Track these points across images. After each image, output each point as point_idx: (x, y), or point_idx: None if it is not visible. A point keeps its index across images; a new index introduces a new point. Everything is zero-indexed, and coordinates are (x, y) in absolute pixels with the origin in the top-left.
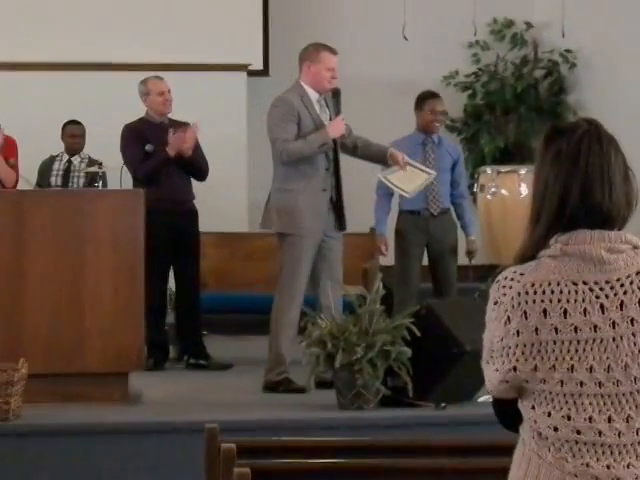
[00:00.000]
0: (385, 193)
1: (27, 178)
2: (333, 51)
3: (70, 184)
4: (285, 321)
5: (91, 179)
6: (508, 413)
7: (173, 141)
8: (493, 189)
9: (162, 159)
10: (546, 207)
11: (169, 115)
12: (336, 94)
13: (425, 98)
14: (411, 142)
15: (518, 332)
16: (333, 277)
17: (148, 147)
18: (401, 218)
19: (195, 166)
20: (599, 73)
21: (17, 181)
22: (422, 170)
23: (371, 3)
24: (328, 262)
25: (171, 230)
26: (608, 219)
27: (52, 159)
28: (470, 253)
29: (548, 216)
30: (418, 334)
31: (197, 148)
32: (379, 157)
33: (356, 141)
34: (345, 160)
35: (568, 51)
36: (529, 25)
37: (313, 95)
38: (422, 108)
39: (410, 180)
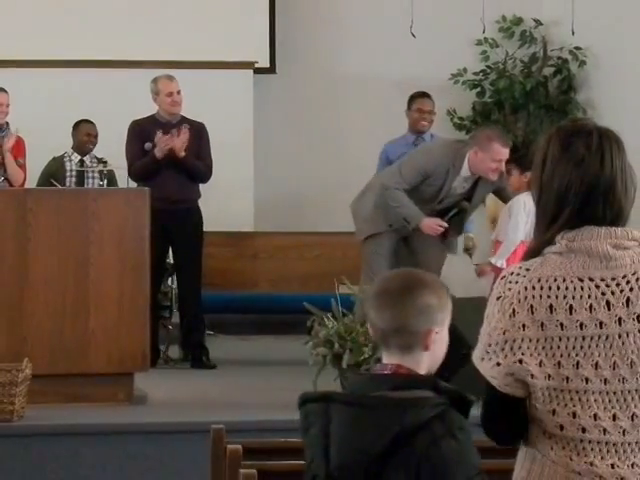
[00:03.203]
0: None
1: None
2: (505, 143)
3: (86, 185)
4: None
5: (100, 178)
6: (512, 415)
7: (160, 143)
8: None
9: (151, 159)
10: (568, 207)
11: (182, 113)
12: (462, 210)
13: (414, 98)
14: (403, 143)
15: (524, 326)
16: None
17: (147, 145)
18: None
19: (188, 168)
20: (609, 71)
21: (25, 180)
22: None
23: (379, 0)
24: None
25: (163, 229)
26: (622, 216)
27: (61, 160)
28: (467, 250)
29: (568, 216)
30: None
31: (201, 150)
32: None
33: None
34: (353, 160)
35: (578, 49)
36: (538, 22)
37: (465, 172)
38: (410, 107)
39: None
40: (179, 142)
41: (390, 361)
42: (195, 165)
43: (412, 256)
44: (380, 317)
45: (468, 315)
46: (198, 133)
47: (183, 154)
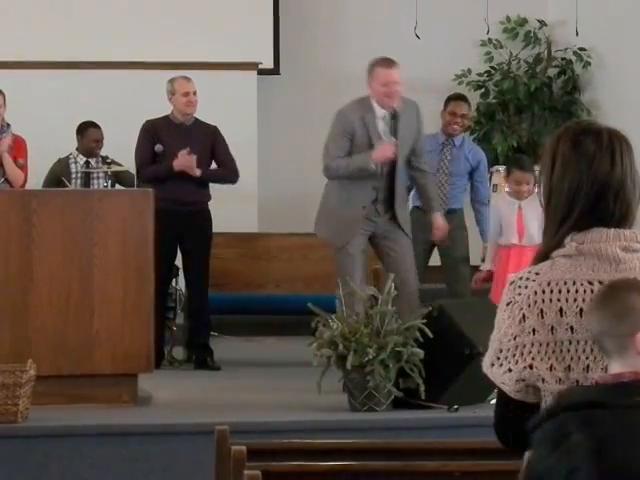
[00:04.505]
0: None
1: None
2: (388, 64)
3: (91, 186)
4: None
5: (104, 179)
6: (524, 421)
7: (182, 159)
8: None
9: (166, 170)
10: (578, 207)
11: (195, 115)
12: (394, 116)
13: (449, 100)
14: (431, 141)
15: (534, 330)
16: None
17: (157, 147)
18: (411, 214)
19: (209, 181)
20: (613, 71)
21: (25, 181)
22: None
23: (383, 1)
24: (394, 261)
25: (172, 231)
26: (630, 215)
27: (66, 161)
28: (485, 260)
29: (578, 215)
30: (430, 335)
31: (221, 154)
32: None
33: (418, 176)
34: None
35: (582, 49)
36: (542, 23)
37: (379, 111)
38: (445, 109)
39: None
40: (189, 162)
41: (614, 369)
42: (214, 175)
43: (387, 257)
44: (589, 321)
45: (475, 315)
46: (213, 137)
47: (198, 173)
